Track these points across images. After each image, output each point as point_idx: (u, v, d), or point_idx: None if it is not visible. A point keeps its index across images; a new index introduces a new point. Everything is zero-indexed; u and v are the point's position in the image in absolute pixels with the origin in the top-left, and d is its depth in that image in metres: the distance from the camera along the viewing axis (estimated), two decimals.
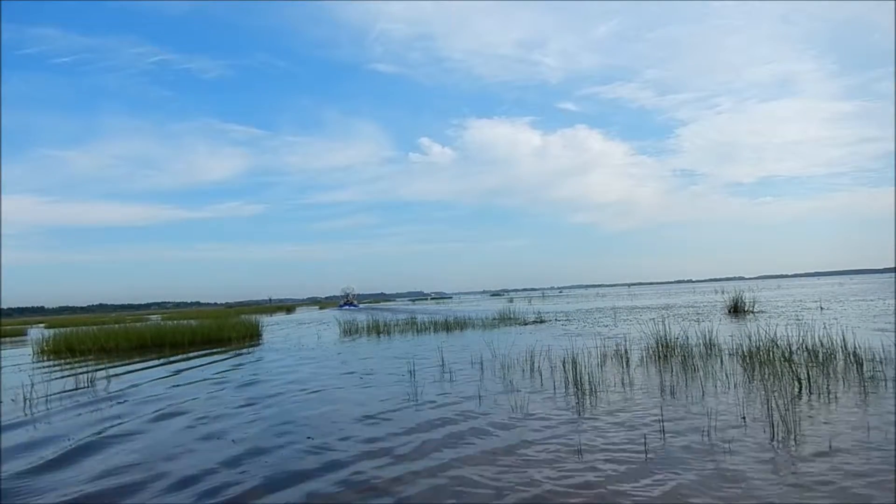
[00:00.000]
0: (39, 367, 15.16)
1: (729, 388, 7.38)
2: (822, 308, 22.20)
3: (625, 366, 9.59)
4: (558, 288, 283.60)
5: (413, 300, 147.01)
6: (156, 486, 4.72)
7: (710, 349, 10.30)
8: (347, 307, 69.60)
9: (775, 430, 5.29)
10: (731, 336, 12.72)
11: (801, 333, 10.02)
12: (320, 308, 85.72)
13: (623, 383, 8.11)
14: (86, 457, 5.73)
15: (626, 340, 11.45)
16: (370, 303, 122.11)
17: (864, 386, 7.03)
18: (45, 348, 19.67)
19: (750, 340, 9.74)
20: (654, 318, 19.05)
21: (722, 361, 9.33)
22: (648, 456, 4.79)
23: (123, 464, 5.39)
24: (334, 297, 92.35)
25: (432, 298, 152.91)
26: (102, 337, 19.95)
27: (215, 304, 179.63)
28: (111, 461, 5.51)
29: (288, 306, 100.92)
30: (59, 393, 10.00)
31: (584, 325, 19.74)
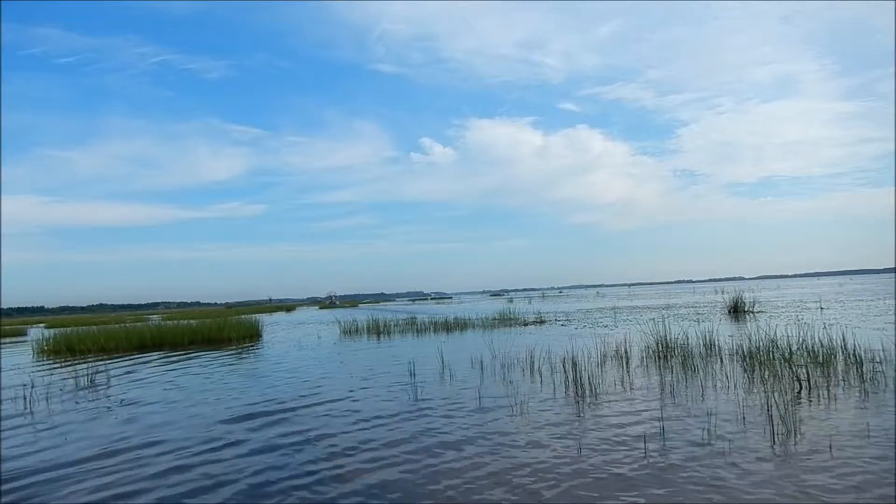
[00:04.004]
0: (39, 367, 15.15)
1: (729, 388, 7.38)
2: (822, 308, 22.20)
3: (625, 366, 9.59)
4: (558, 288, 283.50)
5: (413, 300, 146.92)
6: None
7: (710, 349, 10.30)
8: (332, 306, 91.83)
9: (775, 430, 5.29)
10: (731, 336, 12.73)
11: (801, 334, 10.02)
12: (320, 308, 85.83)
13: (623, 384, 8.11)
14: (80, 448, 5.74)
15: (626, 341, 11.45)
16: (371, 303, 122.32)
17: (865, 386, 7.03)
18: (46, 348, 19.67)
19: (750, 341, 9.74)
20: (654, 319, 19.05)
21: (722, 362, 9.33)
22: (648, 456, 4.79)
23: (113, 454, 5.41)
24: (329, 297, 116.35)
25: (432, 298, 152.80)
26: (102, 337, 19.95)
27: (215, 304, 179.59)
28: (107, 451, 5.52)
29: (288, 306, 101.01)
30: (58, 392, 10.00)
31: (584, 326, 19.73)
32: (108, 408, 8.46)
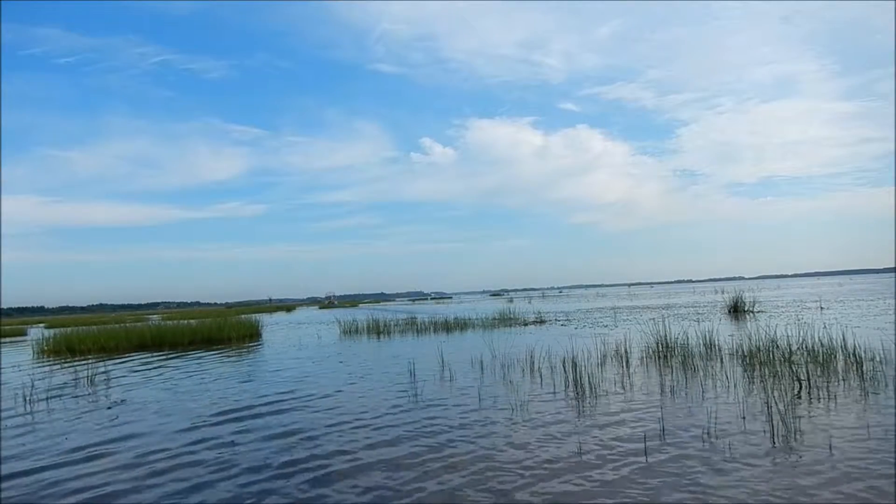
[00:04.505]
0: (40, 367, 15.15)
1: (729, 388, 7.38)
2: (822, 308, 22.20)
3: (625, 366, 9.59)
4: (558, 288, 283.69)
5: (413, 300, 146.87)
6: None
7: (710, 349, 10.29)
8: (331, 306, 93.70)
9: (775, 430, 5.29)
10: (731, 336, 12.73)
11: (801, 333, 10.02)
12: (320, 308, 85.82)
13: (623, 383, 8.11)
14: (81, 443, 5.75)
15: (626, 340, 11.44)
16: (370, 303, 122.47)
17: (865, 386, 7.02)
18: (46, 348, 19.66)
19: (750, 341, 9.74)
20: (654, 319, 19.05)
21: (722, 362, 9.32)
22: (648, 456, 4.79)
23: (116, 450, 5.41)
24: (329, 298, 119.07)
25: (432, 298, 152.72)
26: (102, 337, 19.96)
27: (215, 304, 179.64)
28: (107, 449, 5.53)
29: (288, 306, 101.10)
30: (58, 391, 9.99)
31: (584, 325, 19.73)
32: (108, 407, 8.46)
